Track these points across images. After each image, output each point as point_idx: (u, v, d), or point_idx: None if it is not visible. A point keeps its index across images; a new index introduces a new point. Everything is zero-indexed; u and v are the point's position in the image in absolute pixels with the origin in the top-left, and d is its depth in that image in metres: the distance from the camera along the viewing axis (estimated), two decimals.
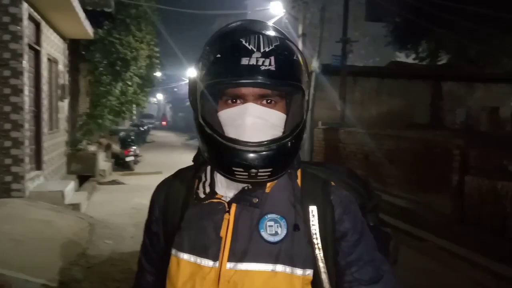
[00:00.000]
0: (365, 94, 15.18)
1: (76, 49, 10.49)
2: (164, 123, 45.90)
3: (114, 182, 10.11)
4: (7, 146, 6.09)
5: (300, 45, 12.12)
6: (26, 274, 4.01)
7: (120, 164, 12.58)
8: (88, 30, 8.90)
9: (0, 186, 6.07)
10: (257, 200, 0.95)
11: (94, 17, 9.56)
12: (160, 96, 52.68)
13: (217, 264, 0.92)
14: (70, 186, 7.33)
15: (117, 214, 6.93)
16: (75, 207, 6.76)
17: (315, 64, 11.94)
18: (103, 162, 11.44)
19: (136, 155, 13.10)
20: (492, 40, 15.20)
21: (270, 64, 0.86)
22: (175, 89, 43.03)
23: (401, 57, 25.01)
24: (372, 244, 0.98)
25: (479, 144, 6.70)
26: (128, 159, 12.51)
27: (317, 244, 0.93)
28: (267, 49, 0.88)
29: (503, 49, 15.37)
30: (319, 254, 0.93)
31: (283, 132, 0.93)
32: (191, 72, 1.00)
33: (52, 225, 5.50)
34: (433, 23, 13.99)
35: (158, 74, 17.77)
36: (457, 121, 14.37)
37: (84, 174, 9.55)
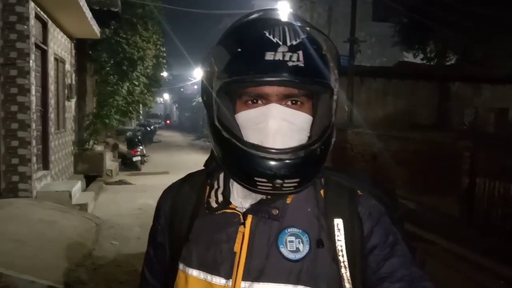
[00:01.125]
0: (372, 95, 15.08)
1: (83, 48, 10.49)
2: (168, 122, 46.26)
3: (121, 182, 10.10)
4: (14, 146, 6.09)
5: None
6: (31, 275, 3.98)
7: (127, 164, 12.58)
8: (94, 29, 8.90)
9: (7, 186, 6.08)
10: (277, 211, 0.85)
11: (101, 16, 9.54)
12: (166, 96, 52.85)
13: (230, 282, 0.83)
14: (77, 186, 7.32)
15: (123, 215, 6.91)
16: (82, 207, 6.74)
17: None
18: (110, 162, 11.44)
19: (143, 155, 13.09)
20: (499, 41, 15.07)
21: (298, 60, 0.77)
22: (182, 89, 43.11)
23: (408, 57, 24.86)
24: (407, 258, 0.86)
25: (488, 146, 6.60)
26: (135, 159, 12.51)
27: (343, 262, 0.83)
28: (294, 43, 0.78)
29: (510, 50, 15.23)
30: (345, 273, 0.83)
31: (309, 137, 0.84)
32: (204, 68, 0.89)
33: (58, 226, 5.49)
34: (440, 23, 13.88)
35: (164, 74, 17.76)
36: (466, 121, 14.23)
37: (91, 174, 9.55)
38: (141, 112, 16.28)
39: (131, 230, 5.98)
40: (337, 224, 0.85)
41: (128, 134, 15.42)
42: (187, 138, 28.64)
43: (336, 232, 0.85)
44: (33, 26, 6.35)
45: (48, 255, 4.56)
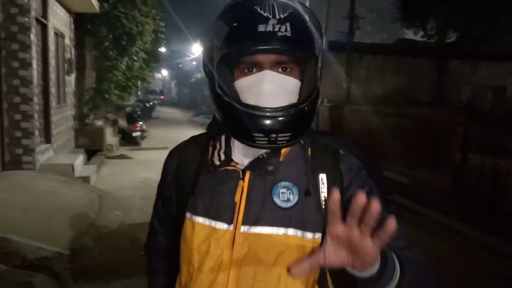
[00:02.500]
0: (371, 72, 15.13)
1: (82, 23, 10.47)
2: (162, 97, 46.18)
3: (121, 157, 10.27)
4: (17, 119, 6.22)
5: None
6: (38, 241, 4.18)
7: (127, 139, 12.73)
8: (93, 3, 8.88)
9: (11, 158, 6.24)
10: (272, 168, 0.98)
11: None
12: (165, 72, 52.55)
13: (231, 227, 0.96)
14: (79, 159, 7.48)
15: (125, 187, 7.10)
16: (85, 179, 6.92)
17: None
18: (110, 137, 11.58)
19: (142, 131, 13.22)
20: (499, 18, 15.00)
21: (286, 30, 0.88)
22: (180, 65, 42.84)
23: (409, 34, 24.68)
24: (381, 205, 1.02)
25: (481, 122, 6.75)
26: (134, 134, 12.65)
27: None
28: (282, 16, 0.89)
29: (510, 26, 15.17)
30: None
31: (298, 99, 0.95)
32: (205, 43, 1.01)
33: (63, 196, 5.68)
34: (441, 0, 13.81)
35: (163, 49, 17.70)
36: (463, 99, 14.33)
37: (92, 148, 9.69)
38: (140, 87, 16.29)
39: (133, 202, 6.17)
40: (322, 178, 0.99)
41: (127, 109, 15.51)
42: (186, 115, 28.68)
43: (321, 185, 0.99)
44: (33, 0, 6.37)
45: (54, 223, 4.76)
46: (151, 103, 24.89)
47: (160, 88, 51.49)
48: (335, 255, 0.77)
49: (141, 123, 13.23)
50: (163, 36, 14.11)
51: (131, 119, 13.32)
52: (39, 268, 3.90)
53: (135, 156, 10.43)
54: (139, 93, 25.29)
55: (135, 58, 11.48)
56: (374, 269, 0.78)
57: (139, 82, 13.49)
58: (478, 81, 14.68)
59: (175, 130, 17.38)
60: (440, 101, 14.32)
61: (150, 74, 13.77)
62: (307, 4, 12.12)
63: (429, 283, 0.91)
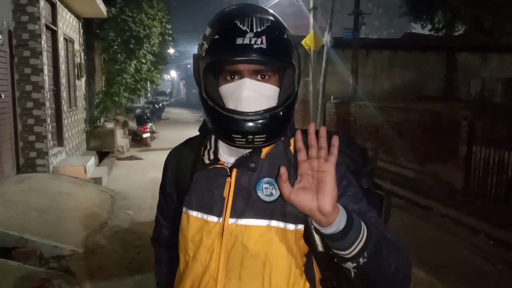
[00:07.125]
0: (378, 67, 15.10)
1: (90, 28, 10.68)
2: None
3: (132, 158, 10.44)
4: (30, 124, 6.41)
5: (311, 19, 12.08)
6: (53, 240, 4.35)
7: (137, 140, 12.92)
8: (101, 8, 9.07)
9: (25, 161, 6.43)
10: (254, 165, 1.06)
11: None
12: (173, 73, 52.90)
13: (221, 219, 1.05)
14: (91, 161, 7.66)
15: (135, 187, 7.26)
16: (97, 181, 7.10)
17: (326, 38, 11.91)
18: (121, 139, 11.77)
19: (152, 132, 13.39)
20: (508, 9, 14.88)
21: (262, 43, 0.95)
22: (189, 66, 43.13)
23: (416, 28, 24.57)
24: (357, 196, 1.05)
25: (488, 115, 6.76)
26: (144, 135, 12.82)
27: None
28: (259, 29, 0.96)
29: None
30: None
31: (277, 103, 1.03)
32: (195, 53, 1.11)
33: (76, 197, 5.86)
34: None
35: (171, 51, 17.89)
36: (472, 92, 14.22)
37: (103, 150, 9.89)
38: (148, 89, 16.51)
39: (144, 201, 6.33)
40: None
41: (137, 111, 15.69)
42: (195, 115, 28.82)
43: None
44: (43, 7, 6.54)
45: (68, 223, 4.93)
46: (160, 105, 25.05)
47: (169, 89, 51.81)
48: (302, 194, 0.90)
49: (150, 124, 13.40)
50: (170, 38, 14.28)
51: (141, 120, 13.50)
52: (55, 266, 4.07)
53: (145, 157, 10.60)
54: (149, 94, 25.52)
55: (143, 60, 11.66)
56: (340, 226, 0.89)
57: (148, 84, 13.68)
58: (488, 74, 14.58)
59: (184, 130, 17.49)
60: (450, 95, 14.26)
61: (158, 76, 13.93)
62: (311, 2, 12.17)
63: (394, 248, 0.97)
